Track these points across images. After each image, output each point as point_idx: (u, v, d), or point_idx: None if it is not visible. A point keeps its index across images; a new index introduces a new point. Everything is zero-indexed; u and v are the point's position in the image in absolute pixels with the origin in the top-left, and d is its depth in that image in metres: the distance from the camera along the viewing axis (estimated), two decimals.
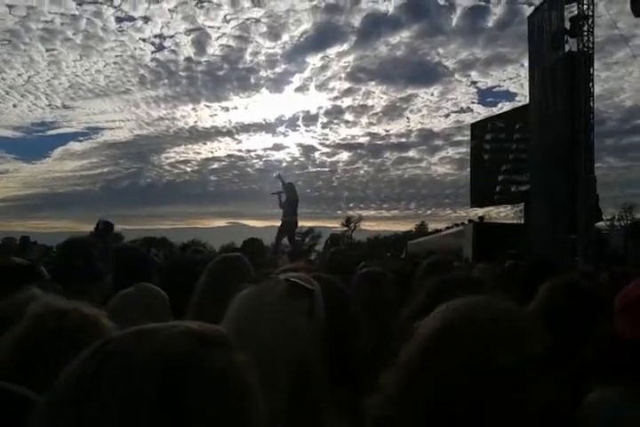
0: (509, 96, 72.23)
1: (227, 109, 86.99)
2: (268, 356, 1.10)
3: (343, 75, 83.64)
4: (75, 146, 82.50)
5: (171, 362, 0.64)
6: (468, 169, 26.17)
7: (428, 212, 74.15)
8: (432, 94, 79.80)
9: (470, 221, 22.23)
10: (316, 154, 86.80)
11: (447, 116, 77.45)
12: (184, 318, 2.19)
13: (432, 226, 52.42)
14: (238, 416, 0.67)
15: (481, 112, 66.85)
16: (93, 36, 71.98)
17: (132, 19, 77.67)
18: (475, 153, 25.06)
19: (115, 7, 69.94)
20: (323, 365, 1.19)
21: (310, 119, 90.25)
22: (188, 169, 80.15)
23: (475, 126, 25.69)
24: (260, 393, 0.71)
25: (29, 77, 73.52)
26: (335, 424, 1.20)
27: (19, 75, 72.88)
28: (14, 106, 76.38)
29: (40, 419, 0.64)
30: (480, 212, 25.26)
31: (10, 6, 65.46)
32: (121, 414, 0.60)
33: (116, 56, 74.13)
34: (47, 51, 71.36)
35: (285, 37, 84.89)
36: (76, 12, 69.48)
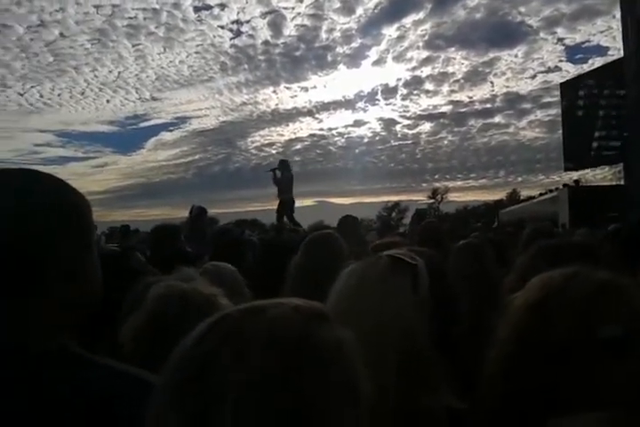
0: (601, 51, 67.92)
1: (306, 89, 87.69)
2: (376, 330, 1.11)
3: (421, 43, 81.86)
4: (166, 136, 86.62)
5: (287, 339, 0.65)
6: (560, 131, 24.84)
7: (519, 179, 71.74)
8: (516, 56, 76.79)
9: (565, 185, 21.16)
10: (398, 127, 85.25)
11: (534, 77, 74.16)
12: (280, 296, 2.23)
13: (524, 193, 50.71)
14: (350, 390, 0.67)
15: (570, 70, 63.63)
16: (174, 28, 74.53)
17: (208, 7, 79.67)
18: (566, 114, 23.73)
19: None
20: (428, 337, 1.19)
21: (389, 92, 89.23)
22: (273, 151, 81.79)
23: (565, 86, 24.27)
24: (367, 367, 0.71)
25: (119, 73, 77.57)
26: (442, 395, 1.20)
27: (109, 71, 77.06)
28: (107, 101, 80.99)
29: (160, 399, 0.66)
30: (575, 175, 24.04)
31: (97, 6, 68.94)
32: (241, 392, 0.61)
33: (197, 45, 76.57)
34: (133, 46, 74.86)
35: (360, 11, 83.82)
36: (157, 6, 71.98)
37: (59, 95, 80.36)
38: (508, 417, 1.02)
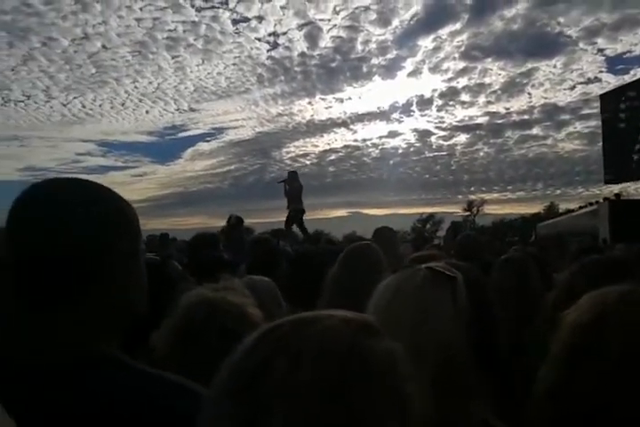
0: None
1: (341, 101, 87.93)
2: (412, 343, 1.09)
3: (457, 54, 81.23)
4: (203, 146, 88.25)
5: (337, 352, 0.65)
6: (600, 144, 24.25)
7: (558, 191, 70.56)
8: (555, 66, 75.49)
9: (606, 199, 20.64)
10: (433, 138, 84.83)
11: (572, 88, 72.97)
12: (317, 306, 2.23)
13: (563, 206, 49.79)
14: (398, 404, 0.67)
15: (611, 81, 62.56)
16: (213, 40, 76.05)
17: (246, 19, 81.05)
18: (607, 126, 23.20)
19: (230, 10, 73.47)
20: (467, 353, 1.16)
21: (425, 103, 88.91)
22: (307, 162, 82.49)
23: (605, 97, 23.73)
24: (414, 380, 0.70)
25: (159, 84, 79.47)
26: (482, 412, 1.17)
27: (149, 83, 79.01)
28: (147, 112, 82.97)
29: (212, 409, 0.67)
30: (616, 189, 23.38)
31: (138, 19, 70.78)
32: (291, 403, 0.61)
33: (235, 57, 77.85)
34: (173, 58, 76.61)
35: (395, 22, 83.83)
36: (196, 19, 73.58)
37: (100, 106, 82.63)
38: None
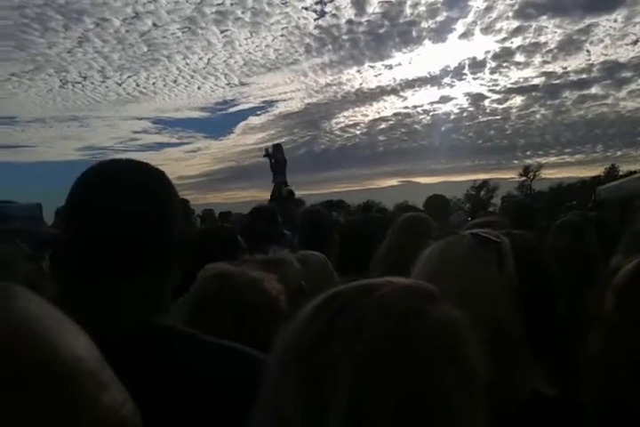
0: None
1: (390, 67, 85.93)
2: (459, 307, 1.07)
3: (510, 13, 77.63)
4: (254, 120, 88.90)
5: (401, 314, 0.67)
6: None
7: (619, 153, 67.86)
8: (615, 21, 71.27)
9: None
10: (486, 102, 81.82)
11: (635, 43, 68.90)
12: (369, 274, 2.23)
13: (624, 168, 47.87)
14: (459, 368, 0.67)
15: None
16: (260, 12, 75.50)
17: None
18: None
19: None
20: (520, 325, 1.13)
21: (477, 66, 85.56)
22: (357, 132, 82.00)
23: None
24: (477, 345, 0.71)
25: (209, 60, 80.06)
26: (532, 380, 1.14)
27: (200, 58, 79.68)
28: (199, 88, 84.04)
29: (275, 375, 0.69)
30: None
31: None
32: (358, 363, 0.63)
33: (283, 28, 77.29)
34: (221, 32, 76.78)
35: None
36: None
37: (153, 84, 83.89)
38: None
